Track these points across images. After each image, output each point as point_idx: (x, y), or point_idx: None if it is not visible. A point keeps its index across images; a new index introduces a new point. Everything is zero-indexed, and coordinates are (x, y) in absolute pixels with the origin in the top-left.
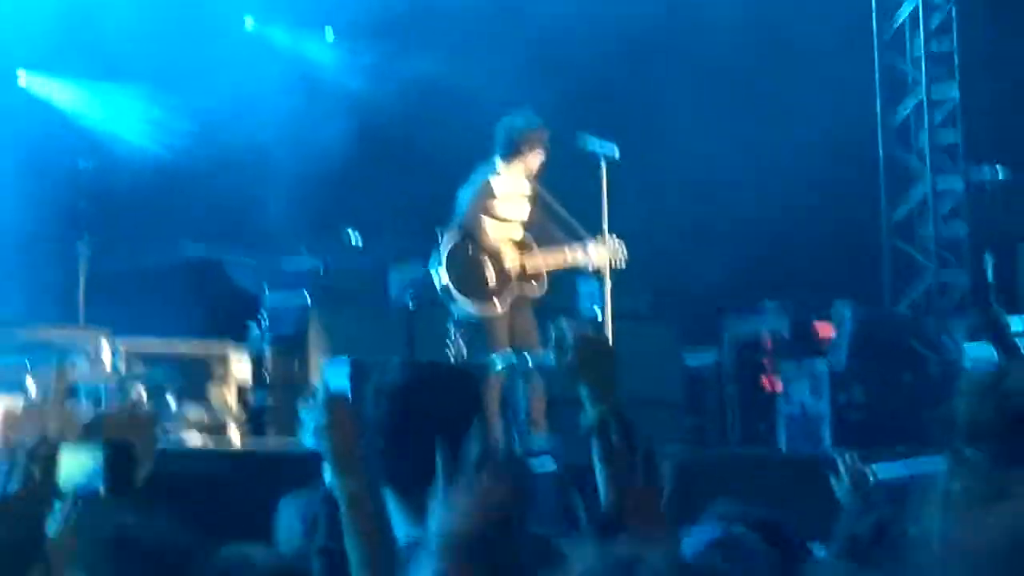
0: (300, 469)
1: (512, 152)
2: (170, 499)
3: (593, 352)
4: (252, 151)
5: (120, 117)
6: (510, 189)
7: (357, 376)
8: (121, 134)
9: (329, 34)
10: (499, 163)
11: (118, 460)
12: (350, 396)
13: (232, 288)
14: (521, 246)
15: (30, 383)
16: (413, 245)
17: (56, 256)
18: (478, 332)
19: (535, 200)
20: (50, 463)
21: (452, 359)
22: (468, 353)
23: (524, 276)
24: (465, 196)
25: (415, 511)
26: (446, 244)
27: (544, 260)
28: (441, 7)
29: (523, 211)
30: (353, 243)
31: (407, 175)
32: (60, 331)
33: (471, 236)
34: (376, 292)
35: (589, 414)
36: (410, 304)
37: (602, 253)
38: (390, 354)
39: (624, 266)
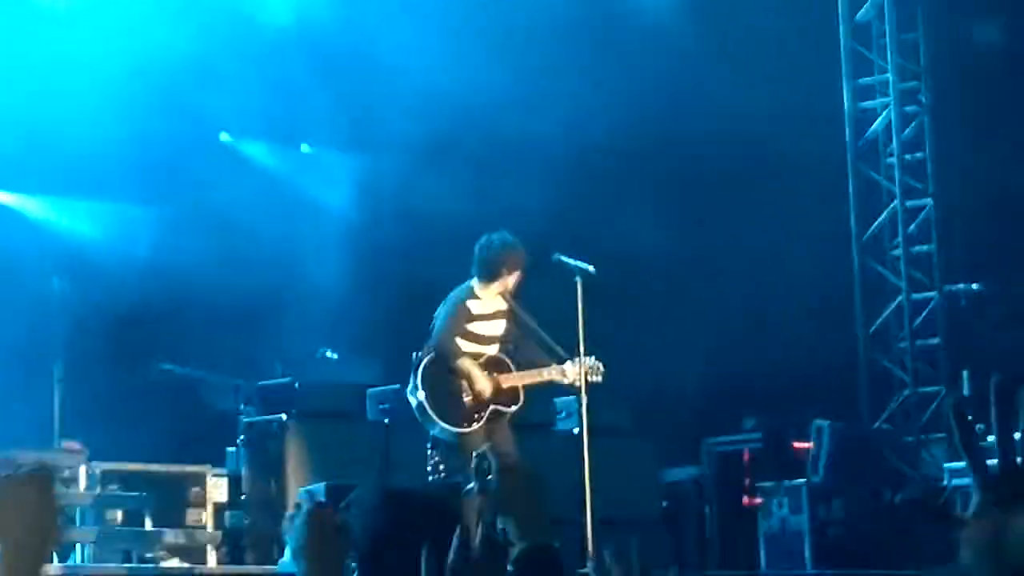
0: None
1: (490, 273)
2: None
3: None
4: (229, 269)
5: (94, 234)
6: (486, 309)
7: (333, 500)
8: (95, 252)
9: (305, 148)
10: (476, 284)
11: None
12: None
13: (209, 409)
14: (497, 364)
15: None
16: (390, 364)
17: (31, 378)
18: (455, 451)
19: (512, 317)
20: None
21: (431, 478)
22: (447, 472)
23: (499, 395)
24: (442, 316)
25: None
26: (422, 364)
27: (519, 379)
28: (416, 127)
29: (499, 328)
30: (328, 360)
31: (385, 293)
32: (36, 455)
33: (446, 357)
34: (353, 410)
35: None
36: (386, 422)
37: (578, 371)
38: (368, 473)
39: (601, 381)
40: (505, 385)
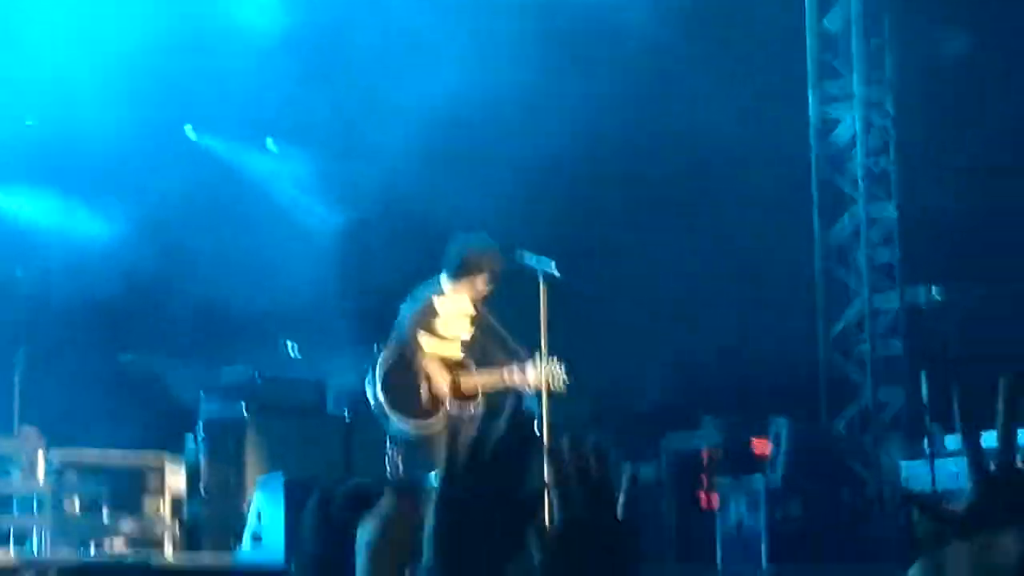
0: None
1: (463, 273)
2: None
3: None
4: (191, 260)
5: (58, 224)
6: (453, 308)
7: (291, 494)
8: (58, 242)
9: (271, 144)
10: (445, 281)
11: None
12: (283, 512)
13: (168, 399)
14: (458, 365)
15: None
16: (352, 357)
17: None
18: (415, 448)
19: (477, 319)
20: None
21: (389, 475)
22: (404, 469)
23: (459, 395)
24: (406, 313)
25: None
26: (382, 361)
27: (480, 381)
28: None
29: (464, 329)
30: (291, 354)
31: (348, 285)
32: None
33: (408, 354)
34: (313, 404)
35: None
36: (347, 416)
37: (539, 375)
38: (327, 466)
39: (564, 388)
40: (465, 387)
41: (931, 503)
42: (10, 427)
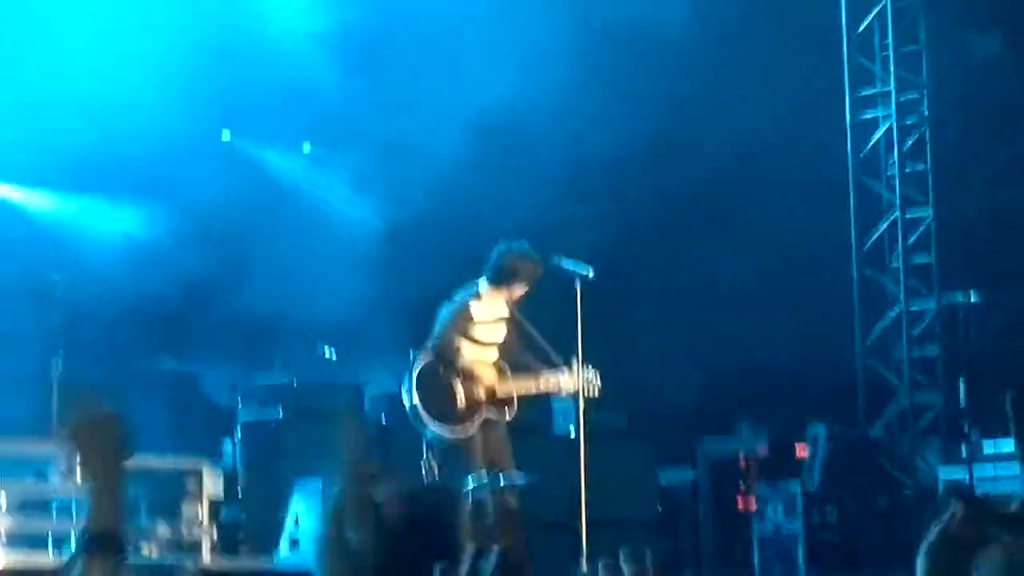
0: None
1: (503, 279)
2: None
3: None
4: (230, 266)
5: (95, 229)
6: (489, 313)
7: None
8: (96, 247)
9: (306, 147)
10: (483, 286)
11: None
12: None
13: (207, 404)
14: (494, 370)
15: (1, 497)
16: (389, 362)
17: (31, 370)
18: (451, 453)
19: (512, 324)
20: None
21: (426, 479)
22: (441, 474)
23: (495, 400)
24: (443, 316)
25: None
26: (418, 365)
27: (516, 386)
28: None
29: (499, 334)
30: (328, 358)
31: (386, 290)
32: (34, 445)
33: (444, 358)
34: (350, 408)
35: None
36: (384, 420)
37: (574, 381)
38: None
39: (597, 395)
40: (501, 392)
41: (978, 500)
42: (48, 431)
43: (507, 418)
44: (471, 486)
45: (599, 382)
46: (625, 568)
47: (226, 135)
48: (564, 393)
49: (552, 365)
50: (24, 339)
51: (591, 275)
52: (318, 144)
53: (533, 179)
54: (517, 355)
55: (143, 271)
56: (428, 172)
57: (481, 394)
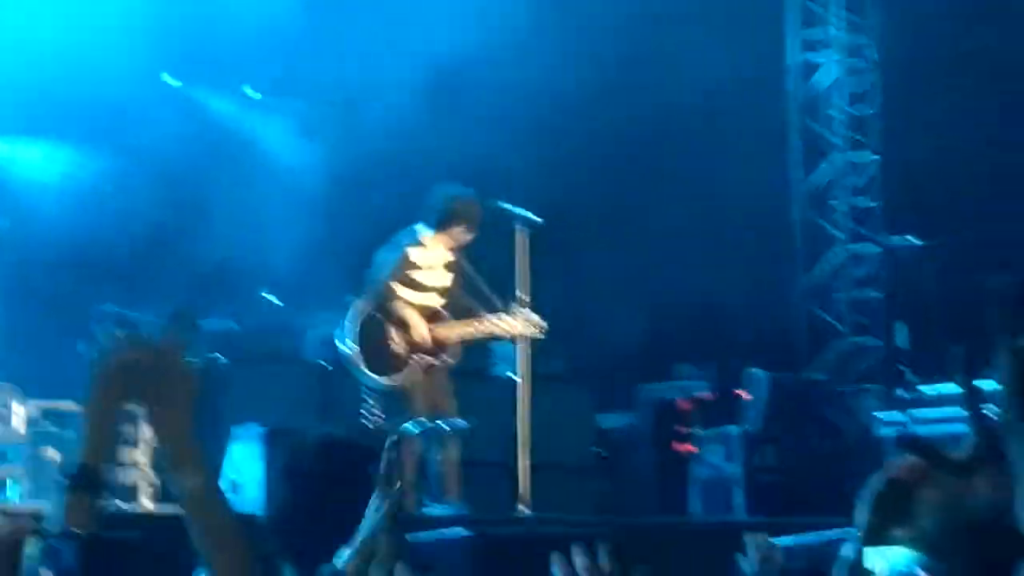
0: None
1: (444, 223)
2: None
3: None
4: (174, 210)
5: (37, 173)
6: (431, 259)
7: (270, 443)
8: (37, 190)
9: (253, 92)
10: (424, 232)
11: None
12: (261, 462)
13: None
14: (435, 316)
15: None
16: (332, 306)
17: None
18: (391, 399)
19: (455, 269)
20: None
21: (369, 425)
22: (384, 419)
23: (436, 346)
24: (382, 261)
25: None
26: (355, 314)
27: (458, 331)
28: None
29: (442, 280)
30: (272, 302)
31: (333, 237)
32: None
33: (382, 305)
34: (291, 353)
35: None
36: (326, 365)
37: (517, 325)
38: (303, 416)
39: (542, 336)
40: (442, 337)
41: (928, 447)
42: None
43: (449, 363)
44: (413, 431)
45: (544, 323)
46: (578, 562)
47: (168, 79)
48: (507, 336)
49: (495, 310)
50: None
51: (535, 220)
52: (264, 90)
53: (480, 125)
54: (461, 300)
55: (86, 216)
56: (375, 118)
57: (419, 341)
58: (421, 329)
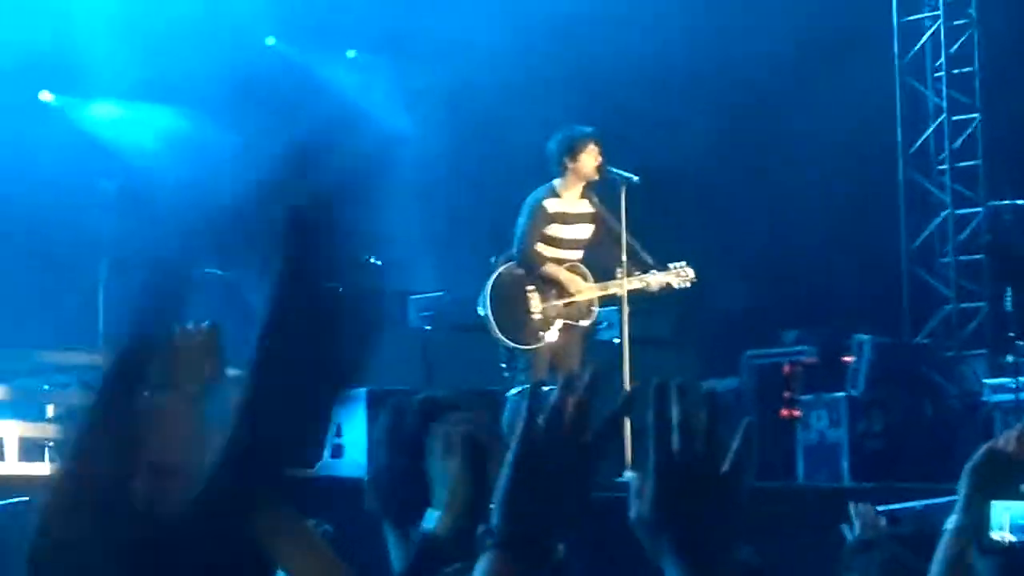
0: (315, 496)
1: (566, 161)
2: None
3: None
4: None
5: (143, 138)
6: (568, 209)
7: (372, 405)
8: (144, 155)
9: (351, 53)
10: (557, 182)
11: None
12: (365, 425)
13: (250, 311)
14: (575, 273)
15: (50, 408)
16: (432, 269)
17: (77, 278)
18: (525, 358)
19: (598, 220)
20: None
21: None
22: (512, 374)
23: (572, 307)
24: (521, 221)
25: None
26: (494, 275)
27: (595, 290)
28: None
29: (583, 232)
30: (373, 263)
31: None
32: (79, 355)
33: (528, 265)
34: (394, 316)
35: None
36: (427, 328)
37: (668, 279)
38: (407, 379)
39: (690, 285)
40: (580, 298)
41: None
42: (95, 340)
43: (587, 323)
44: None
45: (692, 273)
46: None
47: (270, 40)
48: (650, 291)
49: (643, 266)
50: (70, 248)
51: (637, 180)
52: (363, 50)
53: (581, 90)
54: (605, 255)
55: (194, 180)
56: (471, 84)
57: (559, 302)
58: (563, 289)
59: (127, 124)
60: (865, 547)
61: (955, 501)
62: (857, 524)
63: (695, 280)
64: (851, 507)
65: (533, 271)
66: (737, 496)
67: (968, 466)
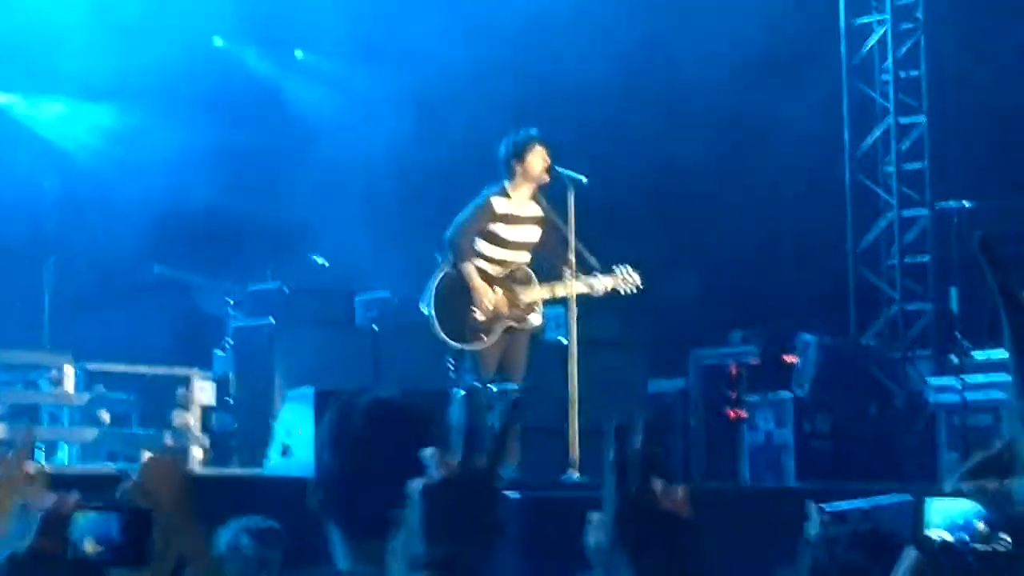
0: (263, 495)
1: (515, 163)
2: None
3: None
4: (220, 171)
5: (87, 136)
6: (517, 211)
7: (320, 405)
8: (88, 154)
9: (299, 54)
10: (507, 183)
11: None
12: (312, 425)
13: (197, 311)
14: (520, 276)
15: None
16: (379, 268)
17: (21, 277)
18: (465, 357)
19: (545, 224)
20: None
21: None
22: (457, 375)
23: (515, 309)
24: (461, 214)
25: (363, 554)
26: (438, 275)
27: (540, 293)
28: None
29: (530, 235)
30: (320, 264)
31: (386, 199)
32: (24, 353)
33: (460, 269)
34: (341, 315)
35: None
36: (375, 327)
37: (611, 283)
38: (356, 378)
39: (635, 291)
40: (524, 299)
41: None
42: (40, 339)
43: (530, 326)
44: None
45: (638, 279)
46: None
47: (218, 40)
48: (596, 294)
49: (589, 267)
50: (16, 247)
51: (585, 181)
52: (313, 52)
53: (528, 96)
54: (552, 258)
55: (139, 178)
56: (420, 85)
57: (495, 304)
58: (490, 295)
59: (71, 122)
60: (827, 545)
61: (901, 500)
62: (816, 522)
63: (640, 287)
64: (809, 505)
65: (456, 261)
66: None
67: (963, 472)
